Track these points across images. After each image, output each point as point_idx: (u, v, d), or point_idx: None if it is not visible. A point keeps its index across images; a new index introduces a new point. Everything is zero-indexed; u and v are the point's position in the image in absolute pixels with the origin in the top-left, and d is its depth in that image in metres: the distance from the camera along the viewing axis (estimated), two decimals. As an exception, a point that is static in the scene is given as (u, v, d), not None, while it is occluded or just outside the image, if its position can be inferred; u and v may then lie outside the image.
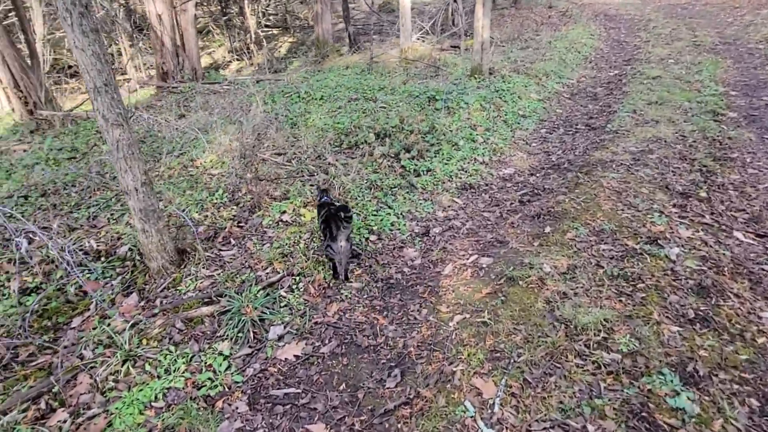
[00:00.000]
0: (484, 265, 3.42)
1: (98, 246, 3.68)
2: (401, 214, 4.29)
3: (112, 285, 3.38)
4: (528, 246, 3.55)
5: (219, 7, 16.53)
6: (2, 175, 5.28)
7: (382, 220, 4.14)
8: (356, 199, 4.41)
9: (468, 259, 3.57)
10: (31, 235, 3.55)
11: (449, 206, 4.47)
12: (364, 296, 3.30)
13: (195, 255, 3.60)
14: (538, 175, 5.02)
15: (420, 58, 9.97)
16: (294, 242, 3.76)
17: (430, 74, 8.72)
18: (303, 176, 4.88)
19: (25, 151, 6.33)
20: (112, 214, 4.29)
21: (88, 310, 3.18)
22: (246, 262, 3.58)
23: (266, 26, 18.58)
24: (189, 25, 7.99)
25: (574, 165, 5.00)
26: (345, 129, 5.83)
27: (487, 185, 4.87)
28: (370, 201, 4.40)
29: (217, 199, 4.43)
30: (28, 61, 7.38)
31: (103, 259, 3.60)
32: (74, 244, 3.56)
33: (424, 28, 13.07)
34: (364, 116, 6.27)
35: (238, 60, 16.13)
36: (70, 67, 13.66)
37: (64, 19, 2.61)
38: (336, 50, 12.67)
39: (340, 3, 13.35)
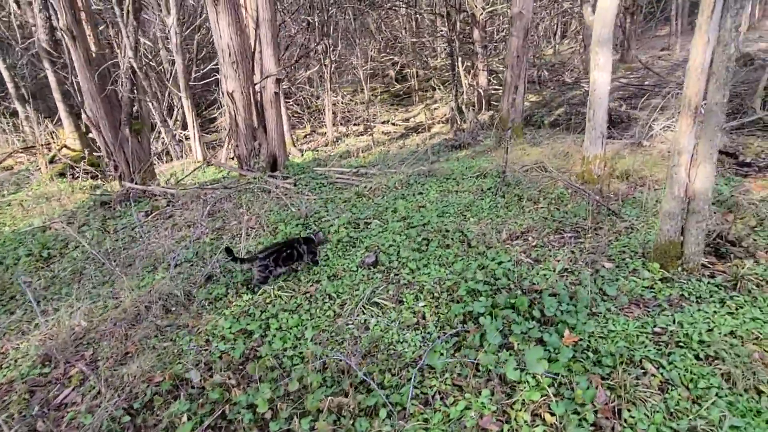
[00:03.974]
0: None
1: None
2: None
3: None
4: None
5: (449, 61, 14.80)
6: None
7: None
8: None
9: None
10: None
11: None
12: None
13: None
14: None
15: (610, 178, 5.71)
16: None
17: (583, 222, 4.58)
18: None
19: (55, 229, 6.06)
20: None
21: None
22: None
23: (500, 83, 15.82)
24: (269, 105, 6.47)
25: None
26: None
27: None
28: None
29: None
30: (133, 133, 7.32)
31: None
32: None
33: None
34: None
35: (444, 123, 14.09)
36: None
37: None
38: (524, 133, 9.10)
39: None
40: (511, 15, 8.38)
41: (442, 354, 2.89)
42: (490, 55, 15.94)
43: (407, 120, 15.51)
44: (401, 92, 19.76)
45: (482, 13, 14.10)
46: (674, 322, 2.98)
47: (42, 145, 12.08)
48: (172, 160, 11.90)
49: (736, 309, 3.04)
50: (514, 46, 8.37)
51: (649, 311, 3.16)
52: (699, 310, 3.07)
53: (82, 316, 3.55)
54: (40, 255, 5.29)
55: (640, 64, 14.89)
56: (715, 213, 4.47)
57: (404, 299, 3.51)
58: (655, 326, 2.98)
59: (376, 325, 3.26)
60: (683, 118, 3.27)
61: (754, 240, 3.94)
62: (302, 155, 11.32)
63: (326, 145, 12.52)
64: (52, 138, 11.59)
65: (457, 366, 2.76)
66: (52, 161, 11.18)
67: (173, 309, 3.68)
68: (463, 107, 13.69)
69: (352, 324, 3.31)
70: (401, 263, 4.03)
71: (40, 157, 9.98)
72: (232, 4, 5.75)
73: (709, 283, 3.36)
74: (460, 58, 13.82)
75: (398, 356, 2.95)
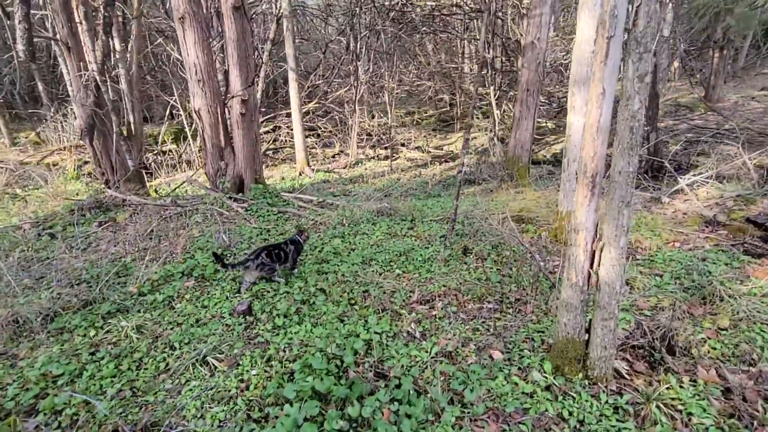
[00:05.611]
0: None
1: None
2: None
3: None
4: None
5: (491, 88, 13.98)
6: None
7: None
8: None
9: None
10: None
11: None
12: None
13: None
14: None
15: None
16: None
17: (519, 293, 3.82)
18: None
19: (24, 230, 6.27)
20: None
21: None
22: None
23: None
24: (236, 126, 6.29)
25: None
26: None
27: None
28: None
29: None
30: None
31: None
32: None
33: None
34: None
35: (476, 154, 13.28)
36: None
37: None
38: (530, 173, 8.23)
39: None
40: (523, 45, 7.67)
41: (223, 445, 2.41)
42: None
43: (440, 148, 14.91)
44: (448, 118, 19.28)
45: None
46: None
47: (76, 146, 12.97)
48: (190, 170, 12.29)
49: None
50: (524, 78, 7.64)
51: (505, 430, 2.45)
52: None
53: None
54: (-12, 255, 5.45)
55: (726, 105, 13.28)
56: (680, 302, 3.57)
57: (241, 362, 3.06)
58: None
59: (189, 390, 2.84)
60: (579, 187, 2.56)
61: (712, 349, 3.04)
62: (314, 175, 11.18)
63: (345, 167, 12.30)
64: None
65: (222, 466, 2.26)
66: (88, 162, 11.96)
67: (24, 334, 3.51)
68: (496, 139, 12.91)
69: (170, 384, 2.92)
70: (273, 316, 3.58)
71: (68, 156, 10.67)
72: (198, 22, 5.71)
73: (606, 402, 2.57)
74: (494, 87, 13.09)
75: (184, 436, 2.51)
